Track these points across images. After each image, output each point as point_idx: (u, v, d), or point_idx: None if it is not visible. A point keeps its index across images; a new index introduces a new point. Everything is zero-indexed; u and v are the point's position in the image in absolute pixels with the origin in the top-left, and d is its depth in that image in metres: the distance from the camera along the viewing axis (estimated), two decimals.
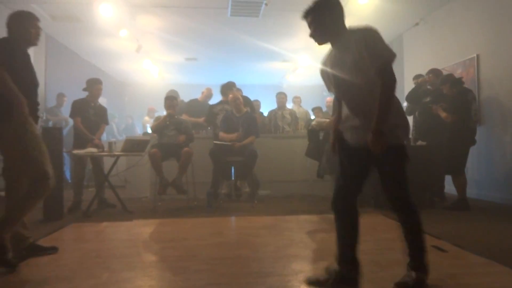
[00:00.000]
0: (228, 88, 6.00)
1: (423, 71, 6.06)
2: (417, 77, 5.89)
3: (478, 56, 5.82)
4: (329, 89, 2.45)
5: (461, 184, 4.80)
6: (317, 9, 2.27)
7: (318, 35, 2.29)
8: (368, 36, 2.14)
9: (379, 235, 3.53)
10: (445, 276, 2.41)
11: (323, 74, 2.39)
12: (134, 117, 11.70)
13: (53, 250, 3.01)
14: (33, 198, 2.76)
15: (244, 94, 6.59)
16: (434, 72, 5.49)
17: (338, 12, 2.29)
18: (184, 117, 5.96)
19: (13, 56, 2.72)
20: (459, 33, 6.27)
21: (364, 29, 2.18)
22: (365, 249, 3.07)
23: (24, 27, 2.92)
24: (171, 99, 5.58)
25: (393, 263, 2.71)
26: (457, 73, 5.68)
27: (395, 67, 2.12)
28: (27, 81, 2.85)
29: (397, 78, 2.10)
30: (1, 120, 2.69)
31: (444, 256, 2.86)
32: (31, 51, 3.07)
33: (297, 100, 8.49)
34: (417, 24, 7.35)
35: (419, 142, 5.30)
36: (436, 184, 5.32)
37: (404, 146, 2.22)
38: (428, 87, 5.75)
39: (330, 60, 2.31)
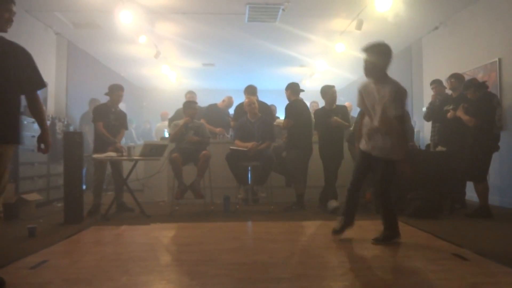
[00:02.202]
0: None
1: (443, 75, 5.96)
2: (434, 82, 5.77)
3: (500, 60, 5.69)
4: (359, 105, 3.46)
5: (483, 191, 4.68)
6: (370, 51, 3.21)
7: (366, 71, 3.28)
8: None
9: (398, 241, 3.48)
10: (467, 285, 2.36)
11: (365, 93, 3.34)
12: (152, 122, 11.84)
13: None
14: None
15: (261, 99, 6.59)
16: (456, 76, 5.34)
17: (385, 60, 3.21)
18: (201, 121, 5.98)
19: None
20: (480, 37, 6.15)
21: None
22: (385, 256, 3.06)
23: None
24: (191, 107, 5.49)
25: (413, 270, 2.67)
26: (478, 78, 5.56)
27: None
28: None
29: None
30: None
31: (465, 264, 2.80)
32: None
33: (314, 105, 8.44)
34: (436, 28, 7.25)
35: (439, 148, 5.21)
36: (457, 191, 5.22)
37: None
38: (447, 92, 5.66)
39: (374, 89, 3.26)
